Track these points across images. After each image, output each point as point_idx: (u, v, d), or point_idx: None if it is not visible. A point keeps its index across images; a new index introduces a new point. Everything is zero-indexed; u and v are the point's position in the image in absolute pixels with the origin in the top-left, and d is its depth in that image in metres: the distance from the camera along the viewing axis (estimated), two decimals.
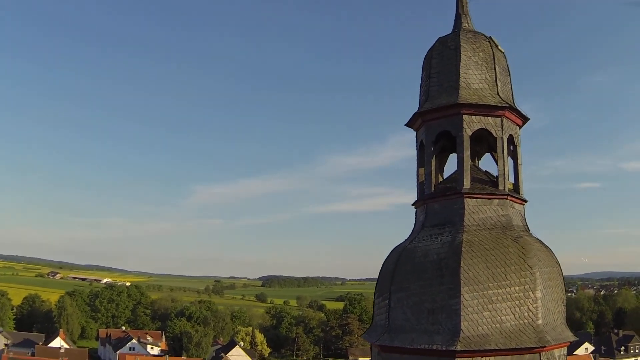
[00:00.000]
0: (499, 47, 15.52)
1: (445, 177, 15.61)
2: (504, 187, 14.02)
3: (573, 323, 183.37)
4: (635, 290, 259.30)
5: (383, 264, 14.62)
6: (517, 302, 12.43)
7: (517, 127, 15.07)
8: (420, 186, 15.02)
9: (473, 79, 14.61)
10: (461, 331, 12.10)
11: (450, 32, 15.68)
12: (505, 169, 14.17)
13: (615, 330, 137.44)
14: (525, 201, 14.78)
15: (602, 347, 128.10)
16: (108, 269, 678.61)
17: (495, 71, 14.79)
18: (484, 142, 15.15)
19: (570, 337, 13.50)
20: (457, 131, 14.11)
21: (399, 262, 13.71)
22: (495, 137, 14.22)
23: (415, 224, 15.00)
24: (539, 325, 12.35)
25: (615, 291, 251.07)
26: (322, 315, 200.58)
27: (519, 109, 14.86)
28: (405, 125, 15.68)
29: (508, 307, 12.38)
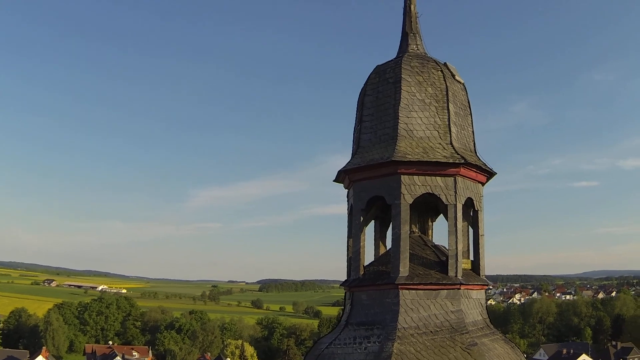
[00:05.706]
0: (457, 77, 11.81)
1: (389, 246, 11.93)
2: (456, 272, 10.32)
3: (571, 329, 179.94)
4: (634, 291, 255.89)
5: None
6: None
7: (480, 184, 11.39)
8: (349, 263, 11.35)
9: (417, 124, 10.93)
10: None
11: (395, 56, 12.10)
12: (459, 248, 10.44)
13: (614, 343, 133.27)
14: (487, 285, 11.18)
15: None
16: (105, 275, 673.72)
17: (449, 112, 11.05)
18: (432, 204, 11.54)
19: None
20: (392, 198, 10.44)
21: None
22: (446, 205, 10.61)
23: (342, 313, 11.36)
24: None
25: (614, 293, 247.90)
26: (317, 323, 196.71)
27: (481, 162, 11.17)
28: (334, 181, 12.05)
29: None
